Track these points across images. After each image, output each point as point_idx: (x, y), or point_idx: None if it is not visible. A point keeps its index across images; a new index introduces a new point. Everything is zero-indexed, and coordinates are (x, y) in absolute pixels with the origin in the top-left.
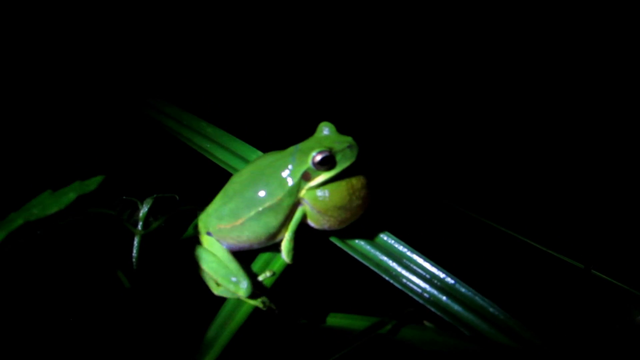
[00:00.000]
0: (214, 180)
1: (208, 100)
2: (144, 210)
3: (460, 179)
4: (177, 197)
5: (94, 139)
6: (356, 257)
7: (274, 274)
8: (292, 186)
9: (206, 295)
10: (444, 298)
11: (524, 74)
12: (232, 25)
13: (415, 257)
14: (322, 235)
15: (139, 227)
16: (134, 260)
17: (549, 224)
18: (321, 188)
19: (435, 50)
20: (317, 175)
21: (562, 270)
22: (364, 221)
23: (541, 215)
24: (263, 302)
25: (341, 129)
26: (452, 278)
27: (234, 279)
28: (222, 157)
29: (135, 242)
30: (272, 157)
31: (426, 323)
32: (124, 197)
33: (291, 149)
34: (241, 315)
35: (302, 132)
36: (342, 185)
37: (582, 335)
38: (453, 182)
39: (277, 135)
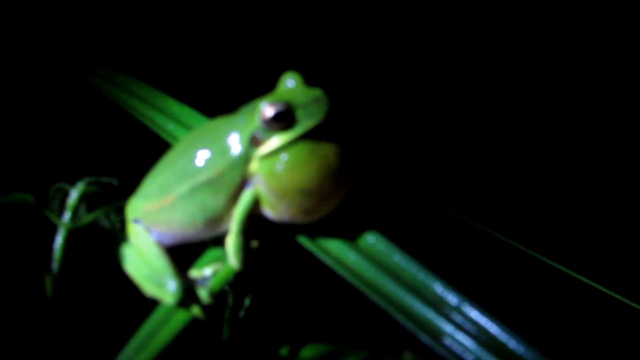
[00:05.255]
0: None
1: (164, 68)
2: (72, 197)
3: (465, 179)
4: (115, 183)
5: (34, 113)
6: (330, 263)
7: (223, 265)
8: (238, 154)
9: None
10: (448, 327)
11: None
12: None
13: (411, 267)
14: (286, 229)
15: (66, 219)
16: (55, 260)
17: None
18: (278, 158)
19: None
20: (269, 136)
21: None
22: (341, 214)
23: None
24: (201, 309)
25: (312, 82)
26: (458, 296)
27: (159, 280)
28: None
29: (60, 238)
30: (220, 119)
31: (407, 356)
32: (58, 184)
33: (243, 107)
34: (174, 324)
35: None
36: (307, 155)
37: None
38: (456, 182)
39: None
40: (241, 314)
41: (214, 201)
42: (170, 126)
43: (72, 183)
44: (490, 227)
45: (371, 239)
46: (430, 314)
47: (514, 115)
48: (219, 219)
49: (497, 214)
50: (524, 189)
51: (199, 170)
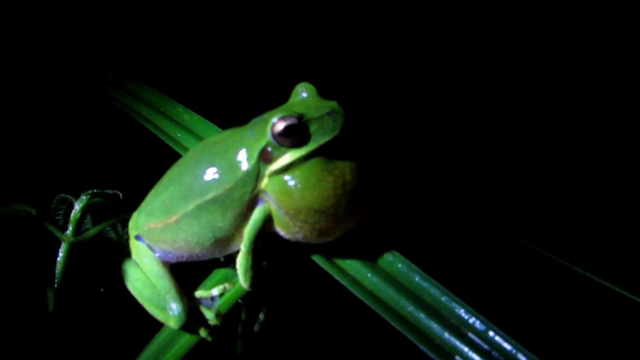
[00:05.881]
0: None
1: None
2: (75, 210)
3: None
4: (120, 195)
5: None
6: (346, 284)
7: (233, 285)
8: (247, 170)
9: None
10: (474, 356)
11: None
12: None
13: (432, 289)
14: (299, 248)
15: (69, 232)
16: (57, 275)
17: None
18: (290, 174)
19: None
20: (282, 154)
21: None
22: (358, 231)
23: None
24: (208, 332)
25: (326, 94)
26: (483, 321)
27: (161, 302)
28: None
29: (61, 252)
30: (228, 132)
31: None
32: (62, 195)
33: (254, 120)
34: (180, 348)
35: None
36: (321, 172)
37: None
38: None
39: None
40: (256, 328)
41: (221, 220)
42: (179, 135)
43: (77, 193)
44: (516, 237)
45: (389, 258)
46: (453, 341)
47: (527, 128)
48: (227, 239)
49: (524, 227)
50: (547, 199)
51: (206, 187)
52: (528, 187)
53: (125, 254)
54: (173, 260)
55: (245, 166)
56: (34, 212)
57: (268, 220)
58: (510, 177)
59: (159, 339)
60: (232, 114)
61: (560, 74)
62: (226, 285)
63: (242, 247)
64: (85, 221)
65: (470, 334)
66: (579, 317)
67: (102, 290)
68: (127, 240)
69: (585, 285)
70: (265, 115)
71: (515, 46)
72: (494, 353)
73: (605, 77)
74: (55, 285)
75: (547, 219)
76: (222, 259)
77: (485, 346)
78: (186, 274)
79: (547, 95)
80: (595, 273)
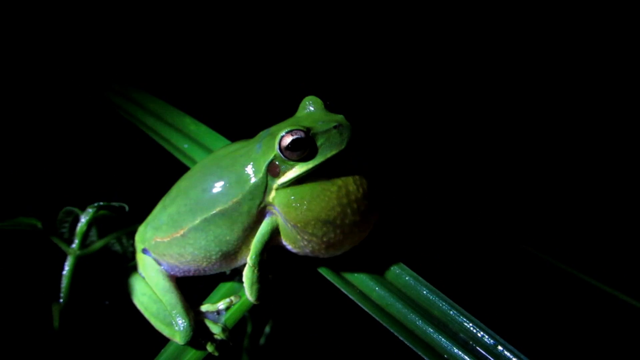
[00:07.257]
0: None
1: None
2: (82, 223)
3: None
4: (127, 208)
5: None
6: (353, 297)
7: (239, 298)
8: (255, 183)
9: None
10: None
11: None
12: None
13: (440, 303)
14: (306, 260)
15: (75, 245)
16: (62, 289)
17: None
18: (297, 187)
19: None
20: (289, 167)
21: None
22: (364, 244)
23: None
24: (215, 346)
25: (334, 108)
26: (492, 335)
27: (167, 317)
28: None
29: (67, 266)
30: (236, 145)
31: None
32: (68, 208)
33: (261, 133)
34: None
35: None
36: (328, 187)
37: None
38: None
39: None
40: (262, 341)
41: (229, 234)
42: (186, 146)
43: (82, 205)
44: (524, 246)
45: (396, 271)
46: (461, 355)
47: (536, 141)
48: (234, 252)
49: (531, 236)
50: (554, 209)
51: (214, 201)
52: (533, 197)
53: (131, 267)
54: (179, 274)
55: (252, 179)
56: (39, 225)
57: (275, 233)
58: (516, 186)
59: (165, 354)
60: (240, 124)
61: (578, 85)
62: (232, 298)
63: (249, 260)
64: (90, 234)
65: (478, 348)
66: (590, 330)
67: (107, 304)
68: (133, 253)
69: (596, 296)
70: (272, 129)
71: (528, 59)
72: None
73: (615, 85)
74: (61, 300)
75: (557, 228)
76: (227, 272)
77: None
78: (192, 287)
79: (558, 107)
80: (607, 283)
